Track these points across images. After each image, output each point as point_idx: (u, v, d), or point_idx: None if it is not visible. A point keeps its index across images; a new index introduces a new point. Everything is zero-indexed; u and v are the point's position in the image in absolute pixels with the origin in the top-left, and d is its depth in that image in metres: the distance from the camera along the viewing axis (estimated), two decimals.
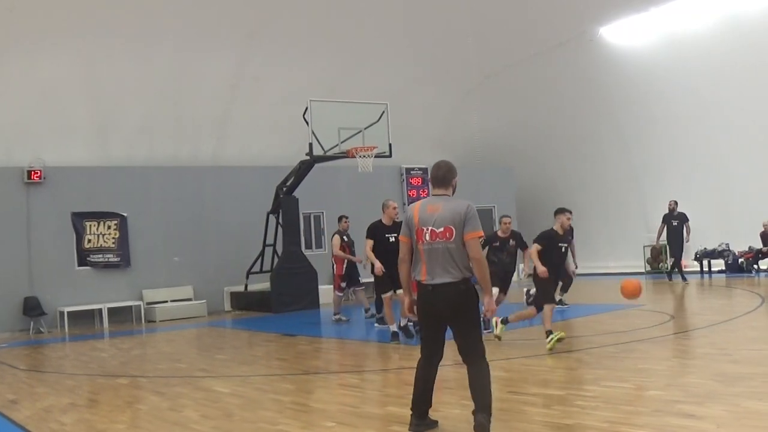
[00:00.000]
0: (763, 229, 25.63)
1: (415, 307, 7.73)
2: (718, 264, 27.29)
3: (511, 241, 15.27)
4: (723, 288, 22.65)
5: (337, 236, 19.21)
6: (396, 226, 14.36)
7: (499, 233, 15.39)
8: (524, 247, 15.15)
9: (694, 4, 25.59)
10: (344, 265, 19.32)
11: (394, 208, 15.19)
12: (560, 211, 13.38)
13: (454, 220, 7.32)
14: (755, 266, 25.99)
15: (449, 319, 7.44)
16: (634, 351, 12.19)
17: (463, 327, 7.47)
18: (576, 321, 16.76)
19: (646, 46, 27.68)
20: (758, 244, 26.02)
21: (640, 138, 29.43)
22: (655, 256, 29.32)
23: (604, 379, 10.12)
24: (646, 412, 8.28)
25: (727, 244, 26.86)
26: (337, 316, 19.35)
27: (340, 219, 19.67)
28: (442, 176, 7.64)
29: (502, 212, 30.93)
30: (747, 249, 26.38)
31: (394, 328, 14.75)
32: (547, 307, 13.04)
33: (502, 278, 15.09)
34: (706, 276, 26.61)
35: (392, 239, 14.25)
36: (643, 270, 29.50)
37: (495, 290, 14.08)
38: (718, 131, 26.83)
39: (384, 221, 15.13)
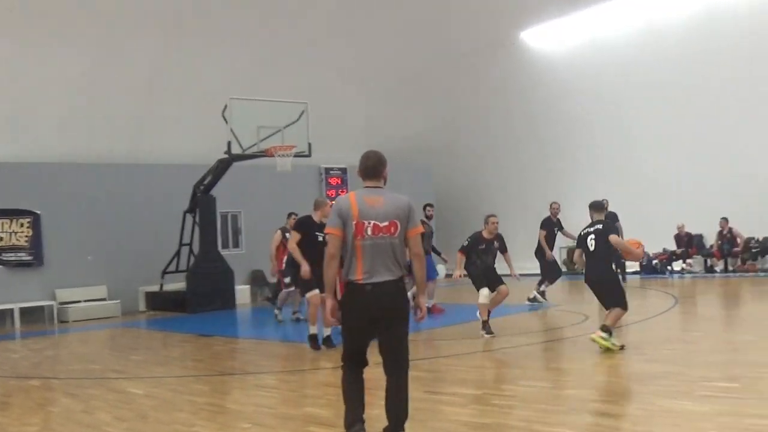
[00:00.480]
0: (677, 231, 26.15)
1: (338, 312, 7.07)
2: (633, 265, 27.67)
3: (495, 242, 14.79)
4: (638, 289, 22.96)
5: (279, 232, 18.66)
6: None
7: (485, 234, 14.67)
8: (505, 250, 15.07)
9: (614, 11, 26.05)
10: (284, 261, 18.73)
11: (330, 205, 14.44)
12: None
13: (398, 214, 6.88)
14: (669, 267, 26.46)
15: (385, 322, 6.85)
16: (551, 350, 12.43)
17: (400, 331, 6.95)
18: (493, 321, 16.76)
19: (565, 50, 28.12)
20: (672, 246, 26.49)
21: (557, 140, 29.82)
22: (571, 258, 29.62)
23: (521, 378, 10.21)
24: (563, 410, 8.37)
25: (642, 246, 27.25)
26: (277, 312, 18.72)
27: (289, 216, 18.91)
28: (373, 167, 7.08)
29: (421, 212, 31.19)
30: (661, 251, 26.79)
31: (314, 330, 13.62)
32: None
33: (489, 276, 14.68)
34: (620, 277, 26.94)
35: (321, 238, 13.00)
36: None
37: (485, 291, 14.29)
38: (635, 135, 27.34)
39: (315, 218, 13.96)
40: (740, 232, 25.13)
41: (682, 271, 26.30)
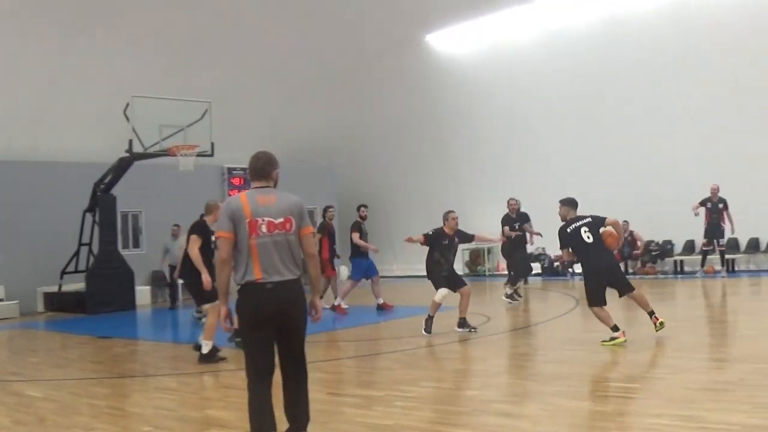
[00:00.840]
0: None
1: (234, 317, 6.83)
2: (535, 267, 28.08)
3: (456, 238, 14.62)
4: (539, 291, 23.37)
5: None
6: None
7: (446, 230, 14.40)
8: (471, 238, 15.11)
9: (517, 15, 26.46)
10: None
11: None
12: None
13: (292, 211, 6.67)
14: (570, 270, 26.86)
15: (285, 323, 6.59)
16: (453, 352, 12.54)
17: (299, 332, 6.73)
18: (395, 322, 16.97)
19: (470, 54, 28.46)
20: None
21: (461, 142, 30.17)
22: (474, 259, 29.97)
23: (423, 379, 10.28)
24: (465, 411, 8.47)
25: (544, 248, 27.68)
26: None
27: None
28: (261, 167, 6.85)
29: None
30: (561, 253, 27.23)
31: (209, 345, 12.41)
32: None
33: (451, 278, 14.59)
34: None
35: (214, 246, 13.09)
36: (461, 272, 30.08)
37: (444, 291, 14.16)
38: (540, 138, 27.80)
39: (211, 222, 13.12)
40: (641, 236, 25.63)
41: (582, 274, 26.61)
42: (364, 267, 19.14)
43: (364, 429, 7.83)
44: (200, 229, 12.97)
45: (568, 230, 12.47)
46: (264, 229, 6.56)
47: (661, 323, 11.99)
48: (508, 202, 19.97)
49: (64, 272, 23.61)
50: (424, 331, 13.93)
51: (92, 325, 19.73)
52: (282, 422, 6.83)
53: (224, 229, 6.61)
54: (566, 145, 27.32)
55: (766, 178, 23.71)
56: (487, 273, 28.56)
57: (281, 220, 6.61)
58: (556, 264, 27.52)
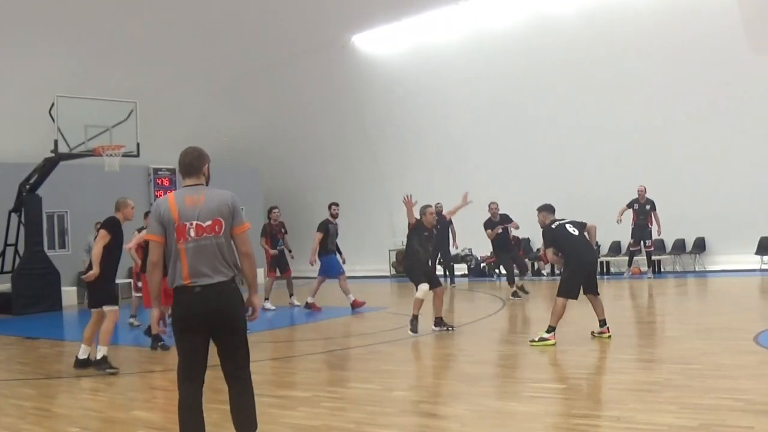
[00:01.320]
0: None
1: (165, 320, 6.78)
2: (461, 268, 28.34)
3: (434, 231, 14.72)
4: (466, 291, 23.59)
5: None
6: None
7: (425, 224, 14.33)
8: (447, 222, 15.02)
9: (442, 16, 26.68)
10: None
11: (132, 207, 14.08)
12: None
13: (221, 211, 6.45)
14: (497, 271, 27.13)
15: (219, 326, 6.49)
16: (379, 353, 12.58)
17: (237, 334, 6.64)
18: (322, 323, 17.08)
19: (396, 54, 28.61)
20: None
21: (386, 143, 30.32)
22: (401, 260, 30.17)
23: (350, 380, 10.43)
24: (392, 412, 8.54)
25: (470, 249, 27.98)
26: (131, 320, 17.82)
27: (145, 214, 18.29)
28: (190, 163, 6.66)
29: (250, 214, 31.15)
30: (489, 254, 27.48)
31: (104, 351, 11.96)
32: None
33: (428, 272, 14.56)
34: (448, 280, 27.53)
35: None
36: (388, 273, 30.32)
37: (425, 286, 14.03)
38: (465, 137, 28.03)
39: (122, 220, 12.82)
40: None
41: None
42: (328, 264, 19.28)
43: (290, 430, 7.88)
44: (110, 225, 12.40)
45: (553, 226, 12.77)
46: (192, 233, 6.39)
47: (609, 336, 12.27)
48: (489, 206, 20.32)
49: None
50: (410, 332, 13.85)
51: (18, 326, 19.59)
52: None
53: (154, 233, 6.49)
54: (491, 146, 27.60)
55: (692, 179, 24.16)
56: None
57: (209, 222, 6.42)
58: (482, 265, 27.80)
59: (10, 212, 23.42)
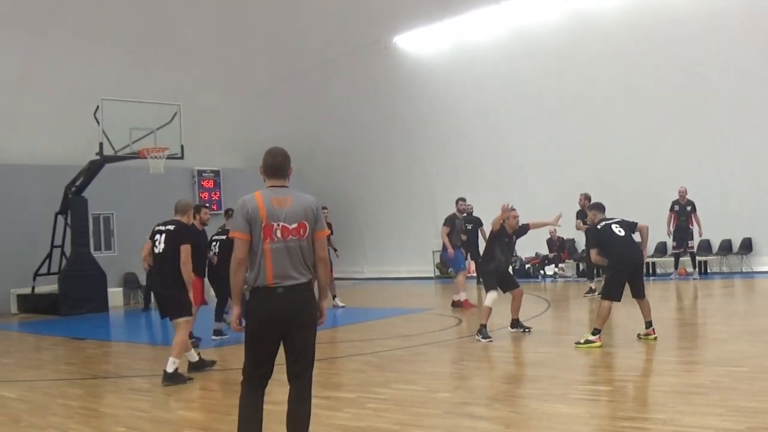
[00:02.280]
0: (549, 236, 26.64)
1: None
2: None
3: (515, 237, 14.43)
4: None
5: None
6: None
7: (507, 230, 14.10)
8: (525, 229, 14.56)
9: (484, 16, 26.52)
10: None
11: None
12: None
13: (307, 215, 6.49)
14: (542, 272, 27.02)
15: (294, 326, 6.44)
16: (424, 354, 12.51)
17: (308, 337, 6.59)
18: (367, 324, 17.05)
19: (438, 54, 28.50)
20: (545, 251, 27.02)
21: (431, 144, 30.19)
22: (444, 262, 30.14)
23: (394, 381, 10.31)
24: (436, 413, 8.47)
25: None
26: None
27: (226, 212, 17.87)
28: (280, 164, 6.65)
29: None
30: (534, 255, 27.37)
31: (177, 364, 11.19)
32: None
33: (504, 279, 14.23)
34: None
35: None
36: (432, 275, 30.25)
37: (494, 294, 13.82)
38: (507, 137, 27.82)
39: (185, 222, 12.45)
40: None
41: (554, 276, 26.82)
42: (454, 258, 18.98)
43: (335, 431, 7.87)
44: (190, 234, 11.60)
45: (599, 227, 12.63)
46: (278, 234, 6.39)
47: (654, 338, 12.17)
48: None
49: (36, 274, 23.64)
50: (481, 339, 13.34)
51: (65, 327, 19.78)
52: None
53: (241, 230, 6.41)
54: (534, 144, 27.32)
55: (738, 178, 23.77)
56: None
57: (295, 225, 6.44)
58: (527, 266, 27.65)
59: (56, 214, 23.65)
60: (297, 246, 6.43)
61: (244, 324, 6.54)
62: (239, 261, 6.42)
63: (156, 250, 11.30)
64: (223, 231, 14.57)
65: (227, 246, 11.84)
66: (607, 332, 12.30)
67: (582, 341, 11.93)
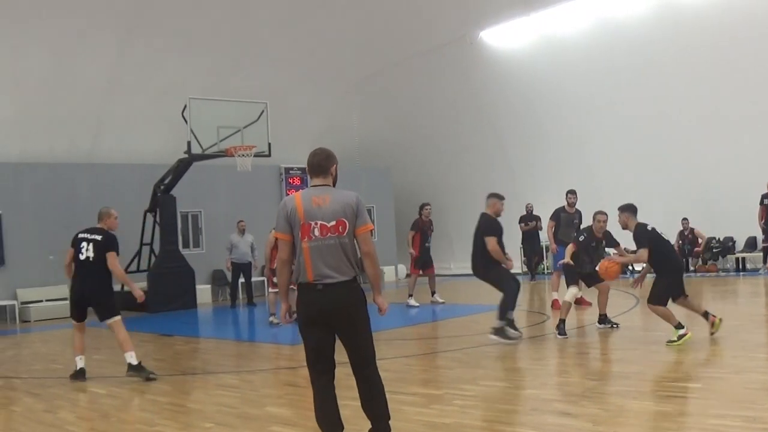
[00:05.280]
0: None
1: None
2: None
3: (603, 241, 14.47)
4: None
5: (273, 232, 18.10)
6: None
7: (595, 232, 14.15)
8: (616, 243, 14.61)
9: (570, 9, 26.19)
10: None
11: (116, 217, 13.40)
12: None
13: (345, 212, 6.59)
14: (630, 268, 26.60)
15: (341, 323, 6.64)
16: (511, 351, 12.39)
17: (359, 331, 6.72)
18: (453, 321, 16.95)
19: (524, 49, 28.24)
20: (633, 246, 26.48)
21: (518, 138, 29.96)
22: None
23: (482, 378, 10.24)
24: (524, 410, 8.44)
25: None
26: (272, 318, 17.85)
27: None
28: (318, 163, 6.79)
29: (381, 212, 31.24)
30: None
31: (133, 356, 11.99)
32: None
33: (591, 273, 14.18)
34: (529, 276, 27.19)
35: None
36: (520, 271, 29.99)
37: (574, 289, 13.85)
38: (593, 132, 27.47)
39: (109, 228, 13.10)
40: (701, 233, 25.17)
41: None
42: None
43: (422, 428, 7.81)
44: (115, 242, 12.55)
45: (649, 228, 12.40)
46: (317, 232, 6.57)
47: (720, 320, 11.92)
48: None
49: (126, 271, 23.83)
50: (558, 336, 13.33)
51: (154, 323, 20.02)
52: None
53: (282, 231, 6.70)
54: (625, 139, 26.89)
55: None
56: (546, 272, 28.46)
57: (333, 223, 6.58)
58: None
59: (145, 212, 23.93)
60: (337, 243, 6.59)
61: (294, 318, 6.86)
62: (283, 261, 6.78)
63: (81, 257, 12.05)
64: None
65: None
66: (699, 328, 12.03)
67: (675, 338, 11.66)
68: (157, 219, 23.73)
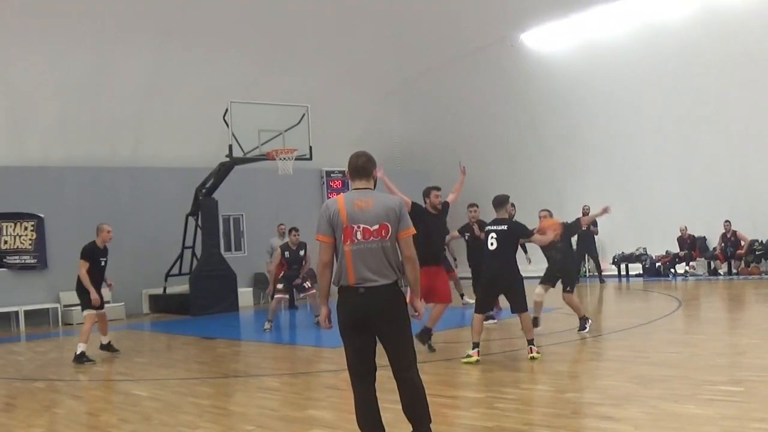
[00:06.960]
0: (680, 234, 26.01)
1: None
2: (636, 268, 27.66)
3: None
4: (640, 291, 22.98)
5: (279, 251, 18.31)
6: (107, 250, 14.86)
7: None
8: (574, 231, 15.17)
9: (611, 11, 26.02)
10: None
11: (109, 231, 14.84)
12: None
13: (389, 216, 6.61)
14: (672, 270, 26.41)
15: (382, 326, 6.64)
16: (552, 354, 12.33)
17: (400, 335, 6.72)
18: (493, 324, 16.86)
19: (565, 51, 28.07)
20: (675, 249, 26.41)
21: (558, 141, 29.76)
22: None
23: (522, 381, 10.24)
24: (565, 414, 8.36)
25: (645, 249, 27.26)
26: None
27: (290, 231, 18.76)
28: (362, 166, 6.80)
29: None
30: (664, 253, 26.75)
31: (84, 347, 14.37)
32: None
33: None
34: (623, 280, 26.98)
35: (103, 263, 14.78)
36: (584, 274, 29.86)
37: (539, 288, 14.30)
38: (635, 135, 27.23)
39: (98, 243, 14.81)
40: (744, 235, 24.89)
41: (685, 274, 26.24)
42: None
43: (464, 431, 7.82)
44: (87, 253, 14.71)
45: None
46: (359, 236, 6.58)
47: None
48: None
49: (168, 275, 24.06)
50: (579, 331, 13.91)
51: (196, 327, 20.11)
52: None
53: (324, 233, 6.69)
54: (666, 142, 26.67)
55: None
56: (587, 274, 28.26)
57: (376, 227, 6.60)
58: (657, 264, 27.04)
59: (187, 216, 24.05)
60: (379, 247, 6.61)
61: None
62: (324, 264, 6.73)
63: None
64: None
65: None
66: (742, 331, 11.90)
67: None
68: (199, 222, 23.83)
